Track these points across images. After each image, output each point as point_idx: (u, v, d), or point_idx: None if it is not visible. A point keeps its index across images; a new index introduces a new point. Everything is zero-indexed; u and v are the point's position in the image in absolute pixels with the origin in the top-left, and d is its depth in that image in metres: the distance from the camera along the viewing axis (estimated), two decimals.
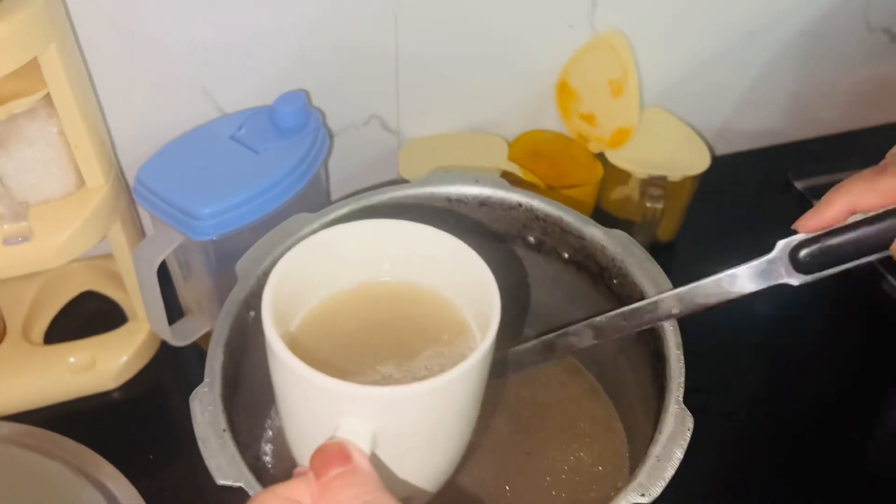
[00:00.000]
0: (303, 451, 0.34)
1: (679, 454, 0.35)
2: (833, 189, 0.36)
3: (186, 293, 0.56)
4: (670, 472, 0.35)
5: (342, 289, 0.38)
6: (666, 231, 0.70)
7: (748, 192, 0.78)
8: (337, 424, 0.29)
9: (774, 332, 0.64)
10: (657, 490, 0.34)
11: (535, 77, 0.66)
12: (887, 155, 0.36)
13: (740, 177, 0.78)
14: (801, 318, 0.66)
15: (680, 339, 0.41)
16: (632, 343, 0.46)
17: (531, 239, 0.50)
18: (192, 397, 0.36)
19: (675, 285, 0.43)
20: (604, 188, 0.67)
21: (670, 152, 0.67)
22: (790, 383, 0.61)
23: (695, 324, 0.60)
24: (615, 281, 0.46)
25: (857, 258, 0.35)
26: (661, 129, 0.68)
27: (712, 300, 0.38)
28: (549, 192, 0.62)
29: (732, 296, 0.38)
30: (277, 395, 0.34)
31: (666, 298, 0.40)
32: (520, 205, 0.48)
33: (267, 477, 0.45)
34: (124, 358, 0.56)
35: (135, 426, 0.55)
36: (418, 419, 0.31)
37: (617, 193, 0.68)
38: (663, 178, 0.64)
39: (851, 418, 0.58)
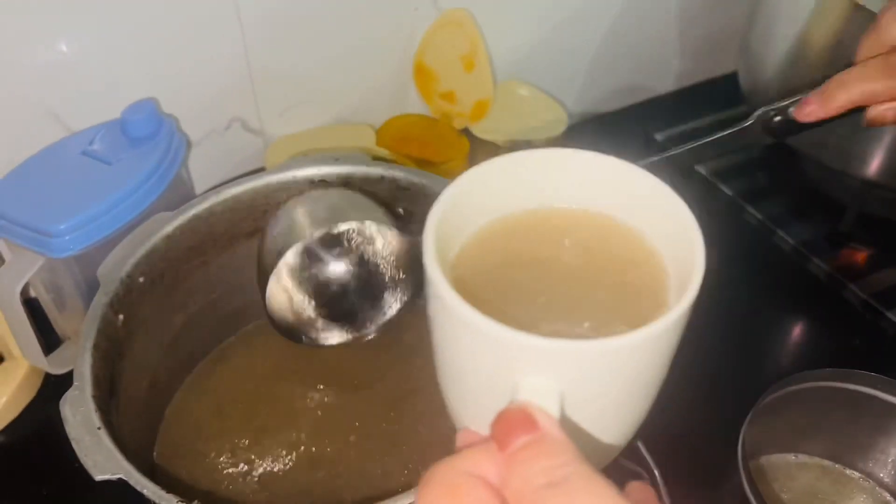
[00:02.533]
0: (470, 413, 0.29)
1: None
2: (841, 85, 0.38)
3: (62, 321, 0.54)
4: None
5: (509, 213, 0.31)
6: None
7: (615, 149, 0.81)
8: (515, 383, 0.25)
9: None
10: None
11: (391, 63, 0.68)
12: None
13: (604, 136, 0.82)
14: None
15: None
16: None
17: (400, 210, 0.51)
18: (62, 402, 0.36)
19: None
20: (474, 163, 0.69)
21: (530, 119, 0.69)
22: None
23: None
24: None
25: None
26: (519, 99, 0.71)
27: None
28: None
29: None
30: (439, 345, 0.28)
31: None
32: (382, 178, 0.50)
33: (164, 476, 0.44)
34: (3, 399, 0.53)
35: (26, 468, 0.53)
36: (611, 378, 0.26)
37: None
38: (527, 143, 0.67)
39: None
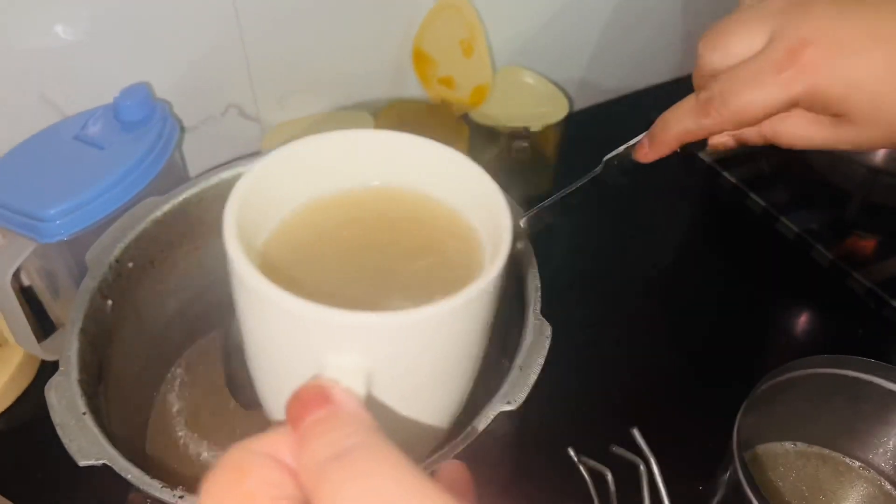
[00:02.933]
0: (280, 401, 0.27)
1: (540, 361, 0.37)
2: (664, 126, 0.38)
3: (56, 307, 0.54)
4: (532, 378, 0.36)
5: (321, 196, 0.31)
6: (541, 183, 0.72)
7: (616, 137, 0.80)
8: (322, 364, 0.24)
9: (656, 264, 0.67)
10: (521, 397, 0.35)
11: (389, 48, 0.67)
12: (710, 85, 0.36)
13: (608, 124, 0.81)
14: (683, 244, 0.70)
15: (534, 260, 0.42)
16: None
17: None
18: (47, 387, 0.35)
19: None
20: (474, 149, 0.69)
21: (530, 105, 0.69)
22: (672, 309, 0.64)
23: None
24: None
25: None
26: (520, 86, 0.70)
27: None
28: None
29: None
30: (245, 331, 0.27)
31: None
32: None
33: (155, 463, 0.44)
34: None
35: (23, 453, 0.53)
36: (422, 351, 0.25)
37: (488, 153, 0.69)
38: (527, 130, 0.66)
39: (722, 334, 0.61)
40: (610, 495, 0.48)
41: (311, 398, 0.21)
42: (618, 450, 0.50)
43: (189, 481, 0.38)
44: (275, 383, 0.28)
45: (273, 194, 0.29)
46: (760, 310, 0.62)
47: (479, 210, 0.30)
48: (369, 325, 0.23)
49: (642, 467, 0.48)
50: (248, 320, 0.26)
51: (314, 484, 0.19)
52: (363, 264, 0.29)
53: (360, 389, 0.23)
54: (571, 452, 0.50)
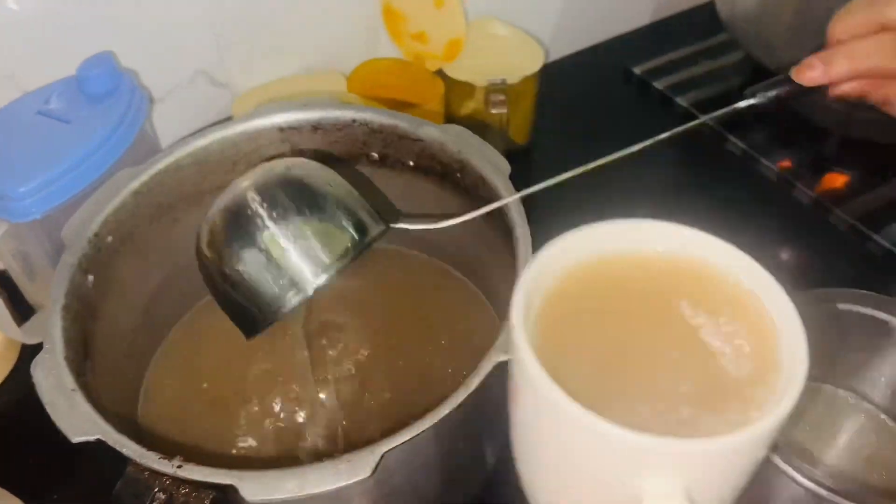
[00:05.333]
0: None
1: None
2: (849, 56, 0.37)
3: (33, 291, 0.53)
4: None
5: (589, 260, 0.31)
6: (518, 135, 0.71)
7: (593, 86, 0.80)
8: (638, 485, 0.25)
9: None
10: None
11: (359, 6, 0.66)
12: None
13: (583, 73, 0.80)
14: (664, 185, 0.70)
15: (525, 218, 0.42)
16: (490, 234, 0.46)
17: (374, 154, 0.49)
18: (32, 365, 0.34)
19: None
20: (451, 105, 0.68)
21: (505, 57, 0.67)
22: None
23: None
24: (458, 175, 0.46)
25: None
26: (494, 37, 0.69)
27: None
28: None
29: None
30: (530, 437, 0.28)
31: None
32: (354, 121, 0.48)
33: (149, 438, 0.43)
34: None
35: (11, 441, 0.52)
36: (729, 472, 0.27)
37: (465, 108, 0.68)
38: (503, 82, 0.65)
39: None
40: None
41: None
42: None
43: (186, 451, 0.37)
44: (569, 493, 0.29)
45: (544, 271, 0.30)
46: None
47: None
48: (687, 451, 0.25)
49: None
50: (547, 434, 0.27)
51: None
52: (628, 342, 0.29)
53: None
54: None
